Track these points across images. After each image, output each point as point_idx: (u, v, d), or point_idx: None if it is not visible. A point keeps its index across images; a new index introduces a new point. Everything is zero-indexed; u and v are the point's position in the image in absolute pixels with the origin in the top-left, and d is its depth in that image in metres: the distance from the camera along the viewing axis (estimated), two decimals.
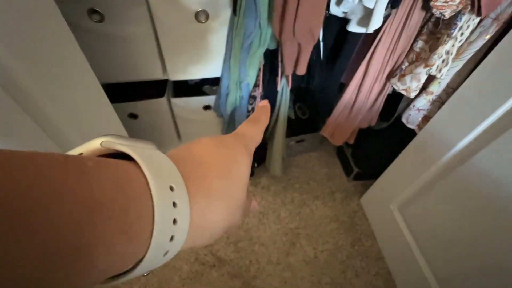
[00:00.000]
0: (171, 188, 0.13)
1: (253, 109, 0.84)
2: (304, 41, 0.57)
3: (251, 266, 0.95)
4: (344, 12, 0.66)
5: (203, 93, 1.05)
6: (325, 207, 1.12)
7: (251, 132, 0.20)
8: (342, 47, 0.73)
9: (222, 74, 0.84)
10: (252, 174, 1.14)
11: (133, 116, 0.98)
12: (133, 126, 1.00)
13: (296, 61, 0.65)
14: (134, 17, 0.70)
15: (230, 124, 1.00)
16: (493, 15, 0.54)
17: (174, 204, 0.12)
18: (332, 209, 1.11)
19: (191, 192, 0.14)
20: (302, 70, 0.66)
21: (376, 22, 0.58)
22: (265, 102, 0.24)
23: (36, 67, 0.52)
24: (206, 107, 1.03)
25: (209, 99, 1.01)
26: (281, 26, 0.56)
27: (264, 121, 0.23)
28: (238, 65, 0.74)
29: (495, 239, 0.58)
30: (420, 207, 0.80)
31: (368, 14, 0.60)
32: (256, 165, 1.14)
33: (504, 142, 0.54)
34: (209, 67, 0.85)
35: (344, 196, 1.16)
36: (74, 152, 0.13)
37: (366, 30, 0.60)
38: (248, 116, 0.89)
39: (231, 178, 0.16)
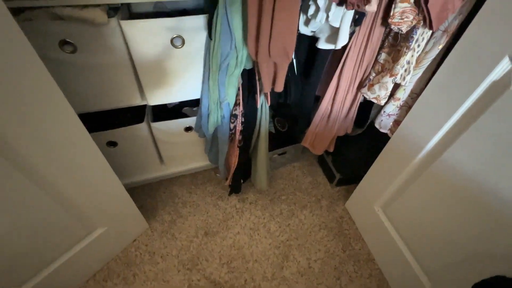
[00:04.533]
0: None
1: (235, 127, 0.86)
2: (279, 61, 0.61)
3: (247, 285, 0.93)
4: (312, 31, 0.71)
5: (183, 115, 1.05)
6: (313, 215, 1.14)
7: None
8: (314, 62, 0.78)
9: (201, 95, 0.85)
10: (239, 190, 1.14)
11: (112, 144, 0.95)
12: (113, 153, 0.97)
13: (273, 79, 0.68)
14: (109, 46, 0.70)
15: (213, 143, 1.00)
16: (442, 28, 0.61)
17: None
18: (320, 217, 1.14)
19: None
20: (280, 87, 0.69)
21: (343, 39, 0.63)
22: None
23: (9, 104, 0.50)
24: (188, 129, 1.02)
25: (190, 121, 1.01)
26: (257, 48, 0.59)
27: None
28: (218, 86, 0.76)
29: (471, 227, 0.63)
30: (402, 205, 0.85)
31: (335, 32, 0.66)
32: (242, 181, 1.14)
33: (468, 138, 0.60)
34: (188, 89, 0.86)
35: (329, 202, 1.19)
36: None
37: (335, 47, 0.65)
38: (230, 134, 0.90)
39: None
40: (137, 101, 0.86)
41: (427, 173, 0.72)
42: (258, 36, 0.56)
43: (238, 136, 0.88)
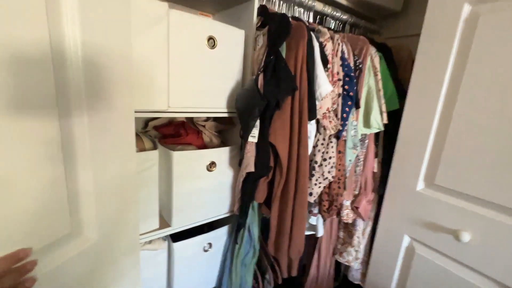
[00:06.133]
0: None
1: None
2: (294, 257, 0.93)
3: None
4: None
5: None
6: None
7: None
8: None
9: (221, 285, 1.03)
10: None
11: None
12: None
13: (289, 268, 0.98)
14: (155, 262, 0.89)
15: None
16: (367, 217, 1.11)
17: None
18: None
19: None
20: (295, 272, 0.98)
21: (320, 231, 1.03)
22: None
23: None
24: None
25: None
26: (276, 249, 0.91)
27: None
28: (240, 277, 0.98)
29: None
30: None
31: (313, 225, 1.06)
32: None
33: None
34: (208, 282, 1.04)
35: None
36: None
37: (316, 234, 1.04)
38: None
39: None
40: None
41: None
42: (279, 244, 0.90)
43: None
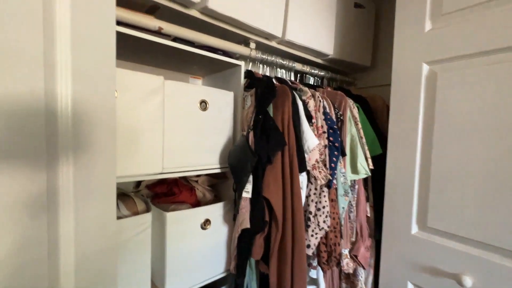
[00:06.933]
0: None
1: None
2: None
3: None
4: None
5: None
6: None
7: None
8: None
9: None
10: None
11: None
12: None
13: None
14: None
15: None
16: (368, 265, 1.08)
17: None
18: None
19: None
20: None
21: (322, 285, 0.98)
22: None
23: None
24: None
25: None
26: None
27: None
28: None
29: None
30: None
31: (314, 279, 1.02)
32: None
33: None
34: None
35: None
36: None
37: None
38: None
39: None
40: None
41: None
42: None
43: None
